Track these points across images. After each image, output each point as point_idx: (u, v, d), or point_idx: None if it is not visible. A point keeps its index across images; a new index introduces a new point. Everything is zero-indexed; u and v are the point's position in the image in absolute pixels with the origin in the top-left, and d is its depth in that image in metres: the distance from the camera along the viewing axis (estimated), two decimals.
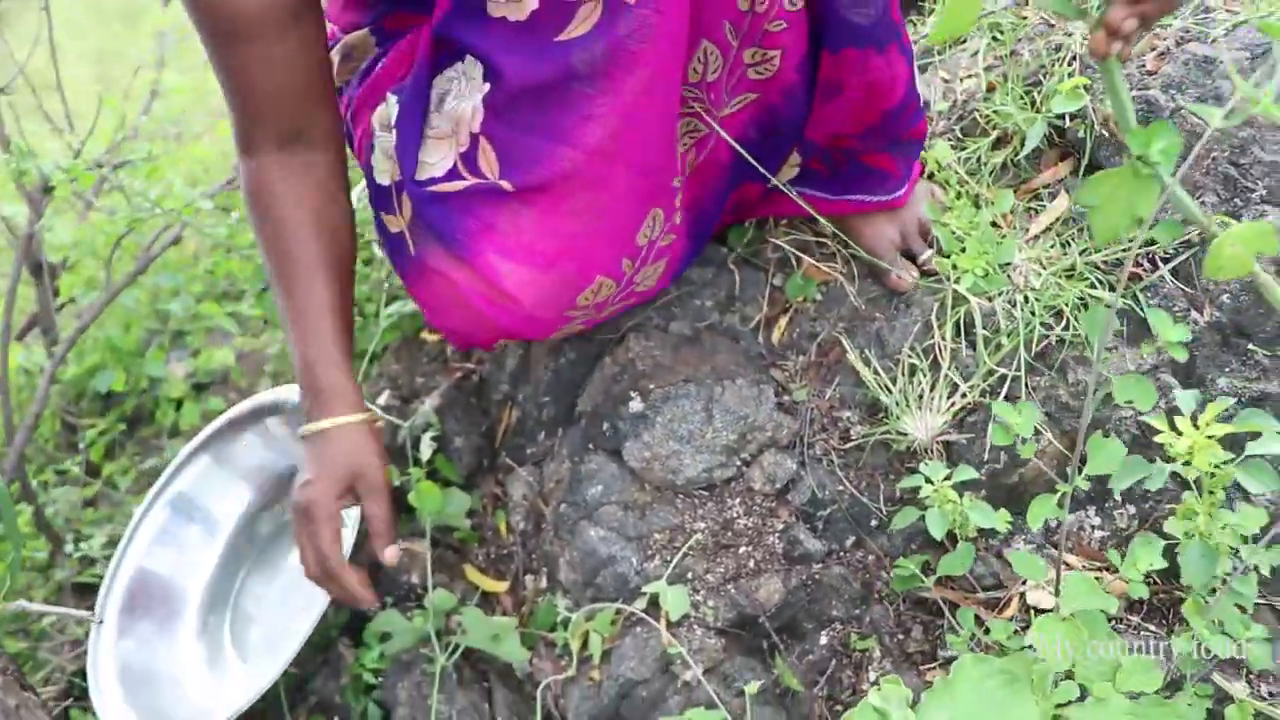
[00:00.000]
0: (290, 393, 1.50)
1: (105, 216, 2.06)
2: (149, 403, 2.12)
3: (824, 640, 1.23)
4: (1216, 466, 0.95)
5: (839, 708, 1.23)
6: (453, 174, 1.07)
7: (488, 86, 1.03)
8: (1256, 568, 1.04)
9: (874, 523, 1.22)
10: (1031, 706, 0.75)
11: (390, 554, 1.12)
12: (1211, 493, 1.00)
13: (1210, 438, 0.94)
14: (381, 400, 1.56)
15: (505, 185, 1.05)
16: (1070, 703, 0.83)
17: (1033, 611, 1.20)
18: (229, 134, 1.15)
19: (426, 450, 1.45)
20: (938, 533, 1.13)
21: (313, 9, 1.05)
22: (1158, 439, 0.98)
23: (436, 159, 1.09)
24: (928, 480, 1.13)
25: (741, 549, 1.27)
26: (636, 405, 1.31)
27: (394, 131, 1.10)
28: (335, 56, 1.20)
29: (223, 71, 1.05)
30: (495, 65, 1.01)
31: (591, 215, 1.08)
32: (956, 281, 1.21)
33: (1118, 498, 1.18)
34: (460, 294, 1.11)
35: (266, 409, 1.52)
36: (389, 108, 1.12)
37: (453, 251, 1.09)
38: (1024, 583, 1.19)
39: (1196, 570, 1.00)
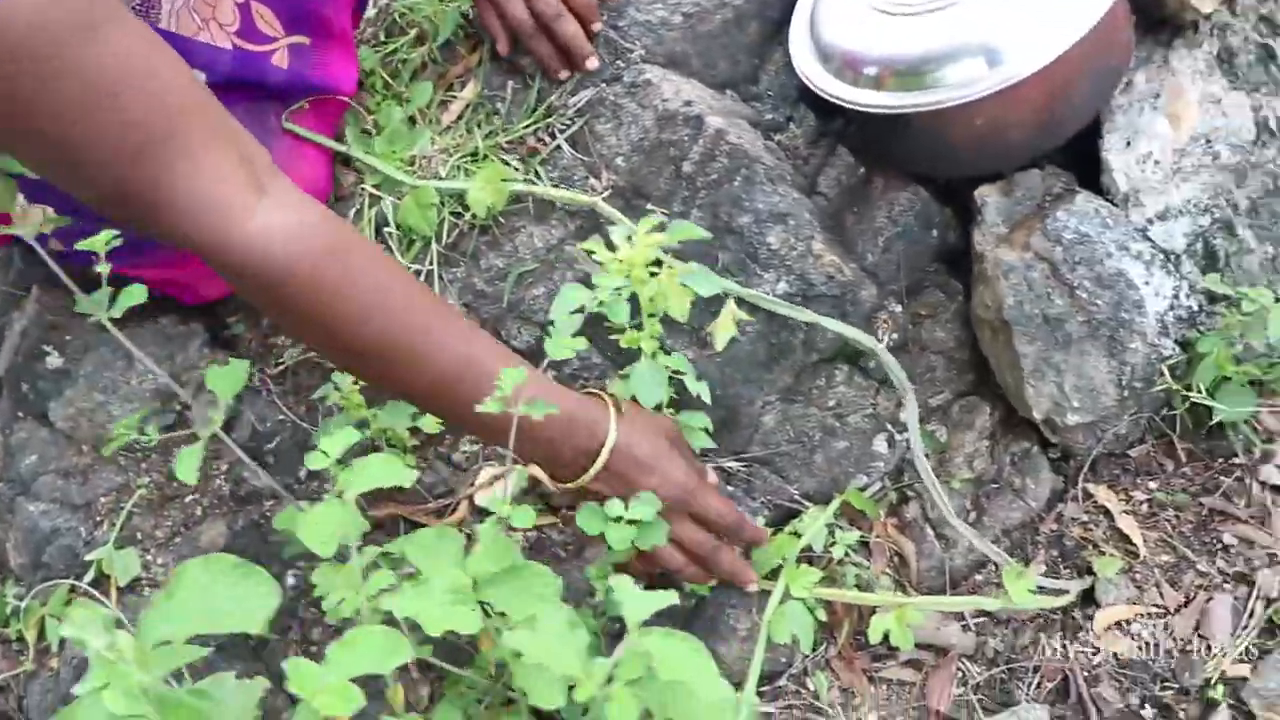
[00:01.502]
0: None
1: None
2: None
3: (291, 581, 1.15)
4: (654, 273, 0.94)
5: (313, 648, 1.15)
6: (242, 55, 0.97)
7: None
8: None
9: None
10: (270, 593, 0.69)
11: None
12: (652, 315, 0.98)
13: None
14: None
15: (303, 40, 1.03)
16: (384, 590, 0.77)
17: (481, 514, 1.15)
18: None
19: None
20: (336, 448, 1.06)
21: None
22: (595, 258, 0.95)
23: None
24: (336, 388, 1.07)
25: (188, 498, 1.17)
26: (55, 360, 1.19)
27: None
28: None
29: (91, 88, 0.68)
30: None
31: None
32: (370, 183, 1.15)
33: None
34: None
35: None
36: None
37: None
38: (472, 484, 1.14)
39: (646, 390, 0.99)
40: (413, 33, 1.26)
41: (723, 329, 1.05)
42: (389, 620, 0.77)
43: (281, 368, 1.17)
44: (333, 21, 1.09)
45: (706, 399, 1.03)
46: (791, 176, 1.14)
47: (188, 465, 0.86)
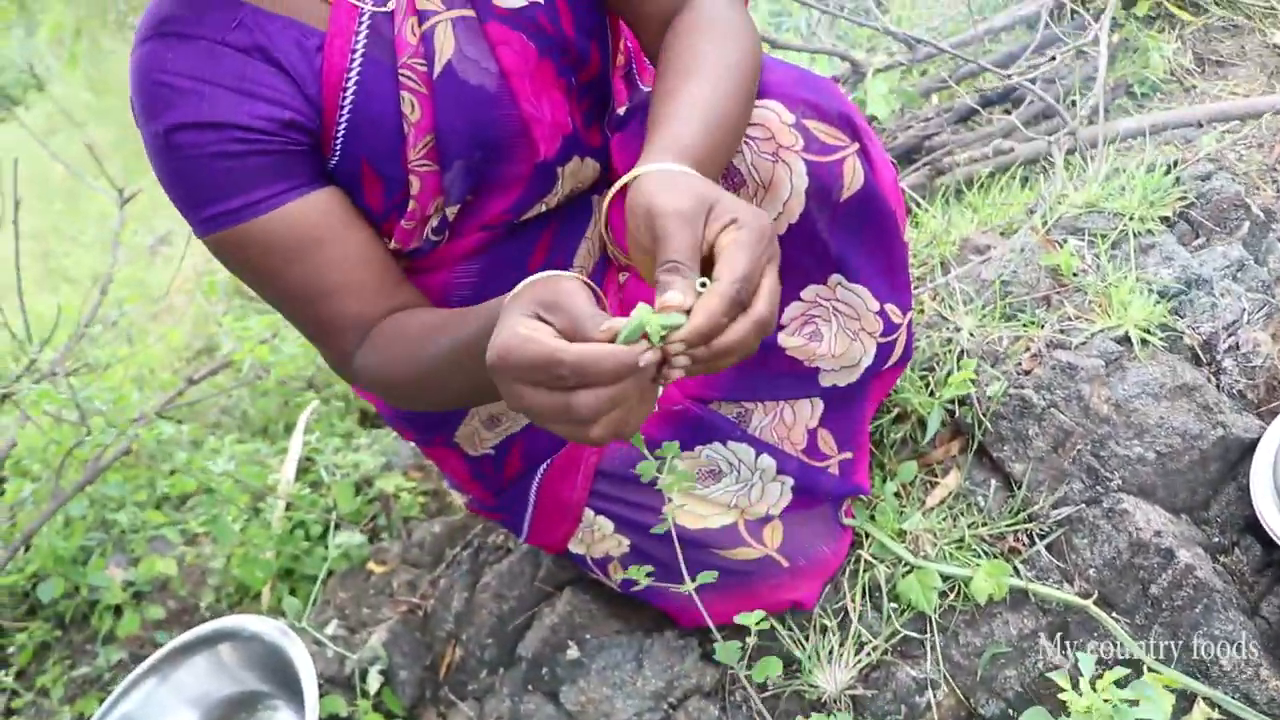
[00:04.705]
0: (243, 622, 1.58)
1: (53, 423, 2.13)
2: (82, 605, 2.15)
3: None
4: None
5: None
6: (804, 467, 1.31)
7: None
8: None
9: None
10: None
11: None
12: None
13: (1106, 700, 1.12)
14: (329, 630, 1.65)
15: (848, 455, 1.34)
16: None
17: None
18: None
19: (374, 683, 1.54)
20: None
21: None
22: (1060, 696, 1.14)
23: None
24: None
25: None
26: (573, 653, 1.42)
27: None
28: None
29: (294, 285, 1.06)
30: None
31: None
32: (865, 548, 1.37)
33: None
34: None
35: (221, 635, 1.59)
36: None
37: None
38: None
39: None
40: (894, 411, 1.49)
41: None
42: None
43: (769, 693, 1.37)
44: (866, 438, 1.36)
45: None
46: (1238, 600, 1.31)
47: None
